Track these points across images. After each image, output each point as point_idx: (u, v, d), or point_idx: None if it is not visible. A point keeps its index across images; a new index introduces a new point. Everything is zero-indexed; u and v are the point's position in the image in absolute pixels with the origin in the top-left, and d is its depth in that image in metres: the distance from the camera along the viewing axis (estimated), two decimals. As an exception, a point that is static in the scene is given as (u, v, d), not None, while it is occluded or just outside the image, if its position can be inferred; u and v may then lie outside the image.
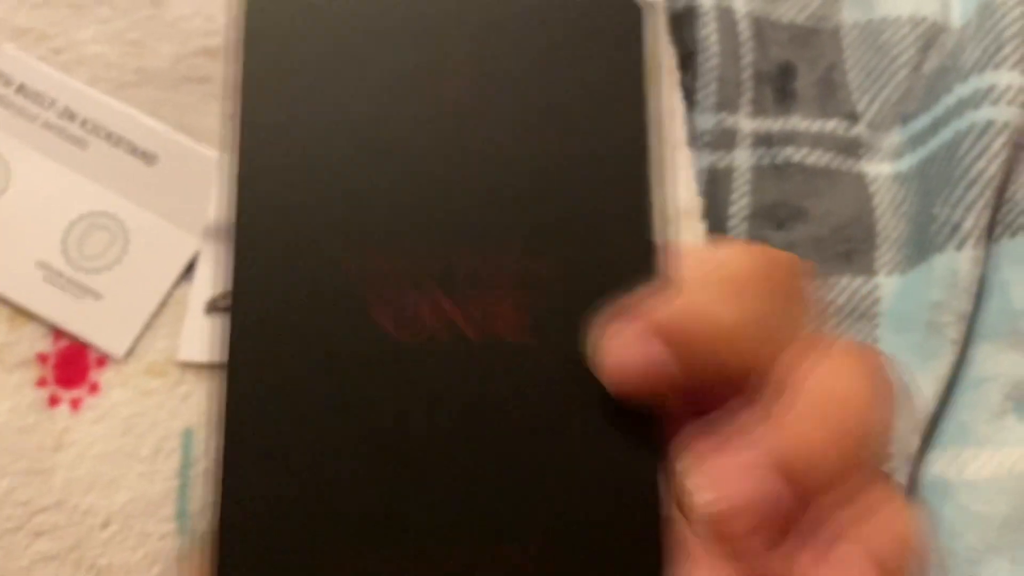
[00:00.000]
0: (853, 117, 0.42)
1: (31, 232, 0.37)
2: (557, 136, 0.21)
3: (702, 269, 0.20)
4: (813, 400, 0.19)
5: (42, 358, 0.36)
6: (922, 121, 0.41)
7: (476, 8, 0.22)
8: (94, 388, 0.36)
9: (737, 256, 0.20)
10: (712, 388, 0.19)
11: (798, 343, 0.19)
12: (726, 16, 0.43)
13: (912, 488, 0.37)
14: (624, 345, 0.19)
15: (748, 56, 0.42)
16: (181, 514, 0.36)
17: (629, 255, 0.20)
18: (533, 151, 0.21)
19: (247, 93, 0.21)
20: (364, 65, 0.21)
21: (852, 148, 0.42)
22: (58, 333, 0.37)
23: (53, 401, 0.36)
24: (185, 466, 0.36)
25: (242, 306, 0.20)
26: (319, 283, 0.20)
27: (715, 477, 0.18)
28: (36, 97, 0.39)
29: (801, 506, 0.18)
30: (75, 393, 0.36)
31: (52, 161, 0.38)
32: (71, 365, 0.37)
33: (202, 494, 0.36)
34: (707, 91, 0.41)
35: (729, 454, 0.19)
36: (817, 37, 0.44)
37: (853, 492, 0.19)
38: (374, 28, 0.21)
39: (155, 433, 0.36)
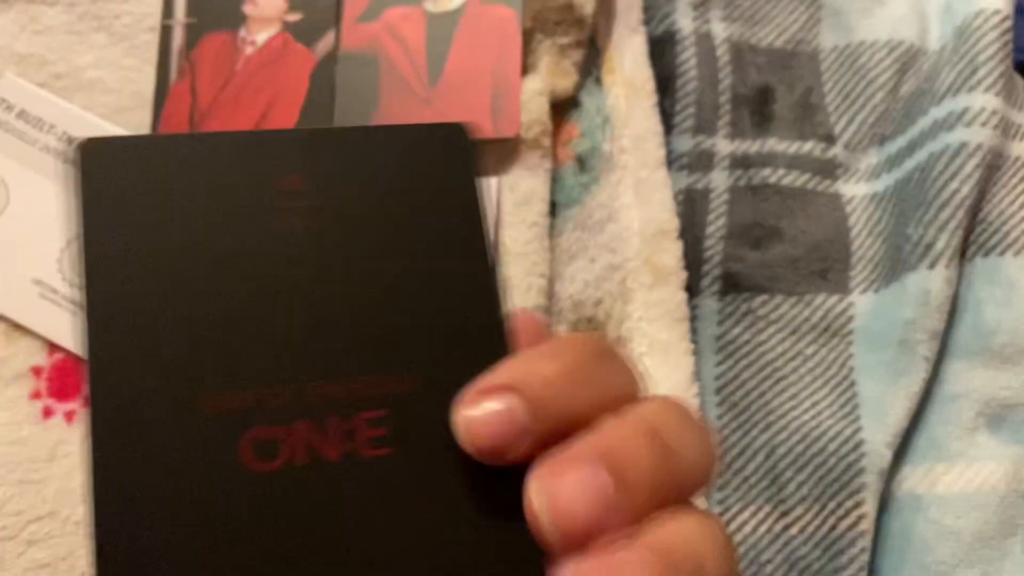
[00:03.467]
0: (830, 139, 0.43)
1: (28, 251, 0.39)
2: (395, 256, 0.23)
3: (539, 341, 0.23)
4: (632, 420, 0.22)
5: (36, 371, 0.38)
6: (898, 143, 0.42)
7: (308, 150, 0.23)
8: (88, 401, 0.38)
9: (567, 335, 0.22)
10: (557, 431, 0.21)
11: (620, 393, 0.22)
12: (705, 41, 0.44)
13: (885, 503, 0.38)
14: (479, 409, 0.21)
15: (726, 80, 0.43)
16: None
17: (479, 350, 0.22)
18: (373, 273, 0.22)
19: (90, 252, 0.21)
20: (202, 209, 0.22)
21: (828, 169, 0.43)
22: (53, 347, 0.38)
23: (47, 413, 0.37)
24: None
25: (100, 451, 0.20)
26: (175, 425, 0.20)
27: (545, 478, 0.21)
28: (36, 122, 0.40)
29: (626, 497, 0.21)
30: (69, 406, 0.38)
31: (50, 183, 0.39)
32: (65, 378, 0.38)
33: None
34: (685, 114, 0.42)
35: (556, 459, 0.21)
36: (795, 60, 0.45)
37: (661, 513, 0.21)
38: (208, 176, 0.22)
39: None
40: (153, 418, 0.20)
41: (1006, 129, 0.40)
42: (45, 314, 0.38)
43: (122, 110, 0.41)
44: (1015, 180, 0.40)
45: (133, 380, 0.20)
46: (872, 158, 0.43)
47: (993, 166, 0.39)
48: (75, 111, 0.40)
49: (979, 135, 0.39)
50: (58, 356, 0.38)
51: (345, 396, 0.21)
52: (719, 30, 0.44)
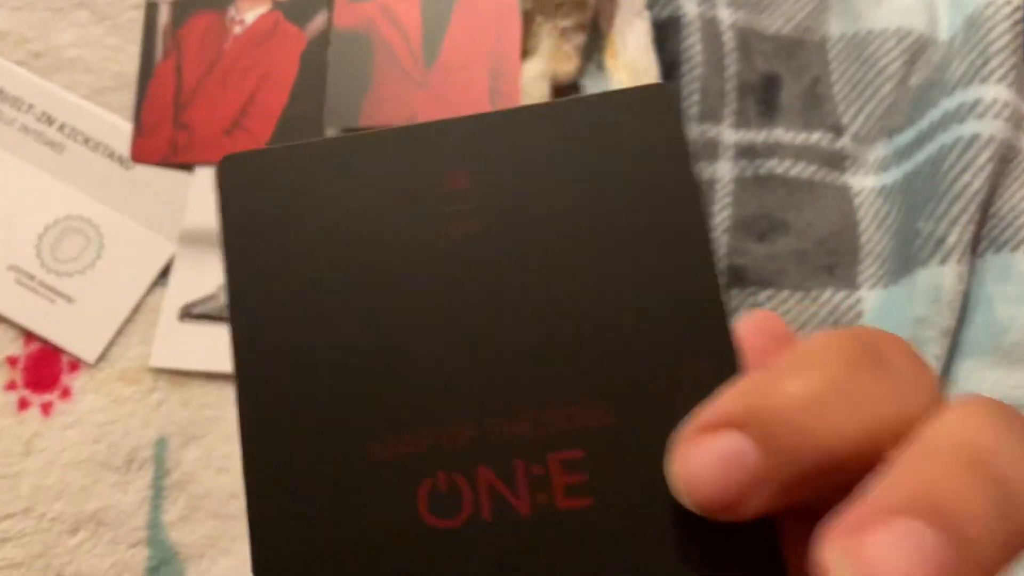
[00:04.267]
0: (838, 130, 0.42)
1: (5, 235, 0.37)
2: (589, 258, 0.18)
3: (769, 357, 0.17)
4: (944, 447, 0.16)
5: (12, 361, 0.36)
6: (908, 135, 0.41)
7: (472, 141, 0.19)
8: (66, 393, 0.36)
9: (817, 336, 0.17)
10: (811, 476, 0.16)
11: (906, 412, 0.16)
12: (711, 27, 0.42)
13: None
14: (697, 451, 0.16)
15: (732, 67, 0.42)
16: (153, 524, 0.36)
17: (700, 370, 0.18)
18: (562, 281, 0.18)
19: (235, 280, 0.19)
20: (356, 224, 0.19)
21: (836, 161, 0.42)
22: (29, 336, 0.36)
23: (23, 405, 0.36)
24: (158, 476, 0.36)
25: (259, 510, 0.17)
26: (342, 479, 0.17)
27: (849, 542, 0.15)
28: (14, 101, 0.38)
29: (967, 562, 0.15)
30: (46, 397, 0.36)
31: (28, 164, 0.38)
32: (42, 369, 0.36)
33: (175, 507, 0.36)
34: (690, 101, 0.41)
35: (856, 514, 0.15)
36: (803, 49, 0.43)
37: None
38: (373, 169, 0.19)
39: (128, 442, 0.36)
40: (316, 472, 0.17)
41: (1018, 121, 0.39)
42: (21, 301, 0.36)
43: (104, 90, 0.39)
44: (1027, 174, 0.39)
45: (289, 429, 0.18)
46: (881, 150, 0.42)
47: (1005, 159, 0.38)
48: (55, 91, 0.39)
49: (991, 127, 0.38)
50: (34, 345, 0.36)
51: (533, 434, 0.18)
52: (725, 15, 0.43)
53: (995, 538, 0.15)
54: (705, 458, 0.16)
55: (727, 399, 0.16)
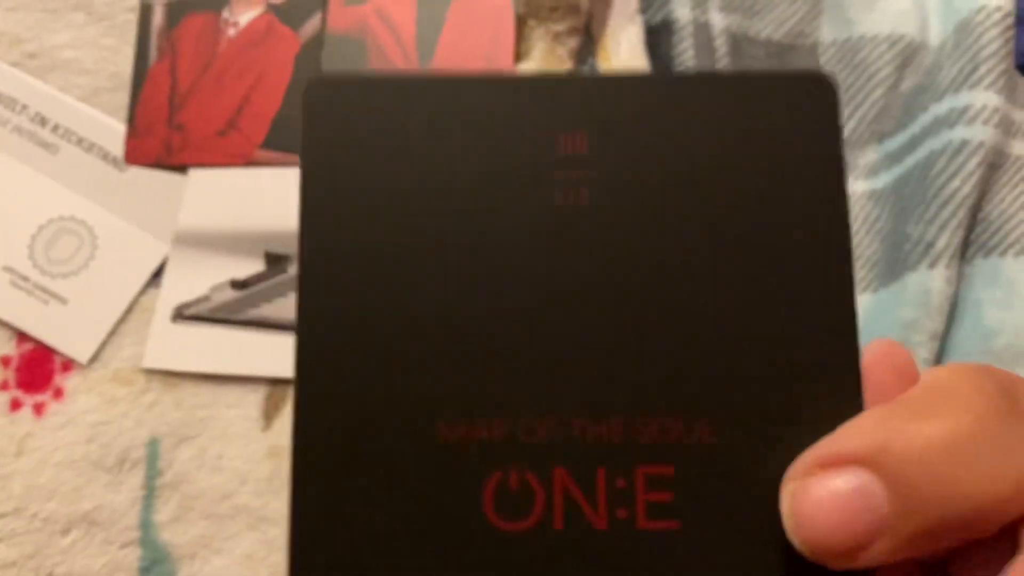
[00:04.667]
0: (829, 134, 0.42)
1: (-3, 235, 0.37)
2: (714, 251, 0.16)
3: (903, 388, 0.16)
4: None
5: (5, 361, 0.36)
6: (898, 140, 0.41)
7: (598, 102, 0.17)
8: (59, 394, 0.36)
9: (949, 370, 0.16)
10: (945, 530, 0.14)
11: None
12: (703, 31, 0.42)
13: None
14: (817, 487, 0.14)
15: (724, 70, 0.42)
16: (145, 524, 0.36)
17: (822, 396, 0.16)
18: (681, 273, 0.16)
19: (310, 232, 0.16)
20: (453, 176, 0.17)
21: (827, 165, 0.42)
22: (22, 336, 0.36)
23: (15, 405, 0.36)
24: (151, 476, 0.36)
25: (307, 482, 0.16)
26: (402, 459, 0.16)
27: None
28: (8, 102, 0.38)
29: None
30: (38, 398, 0.36)
31: (22, 165, 0.38)
32: (35, 369, 0.36)
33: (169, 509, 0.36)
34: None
35: None
36: (794, 54, 0.44)
37: None
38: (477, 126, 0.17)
39: (120, 442, 0.36)
40: (374, 447, 0.16)
41: (1008, 127, 0.39)
42: (15, 302, 0.36)
43: (99, 91, 0.39)
44: (1016, 179, 0.39)
45: (351, 392, 0.16)
46: (871, 155, 0.42)
47: (994, 165, 0.39)
48: (49, 92, 0.39)
49: (980, 133, 0.38)
50: (27, 346, 0.36)
51: (621, 441, 0.16)
52: (717, 20, 0.43)
53: None
54: (827, 497, 0.14)
55: (854, 432, 0.15)
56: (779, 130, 0.17)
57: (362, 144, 0.17)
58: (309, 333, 0.16)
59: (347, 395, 0.16)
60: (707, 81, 0.17)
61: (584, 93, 0.17)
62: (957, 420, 0.14)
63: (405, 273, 0.16)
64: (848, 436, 0.15)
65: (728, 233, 0.16)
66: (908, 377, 0.16)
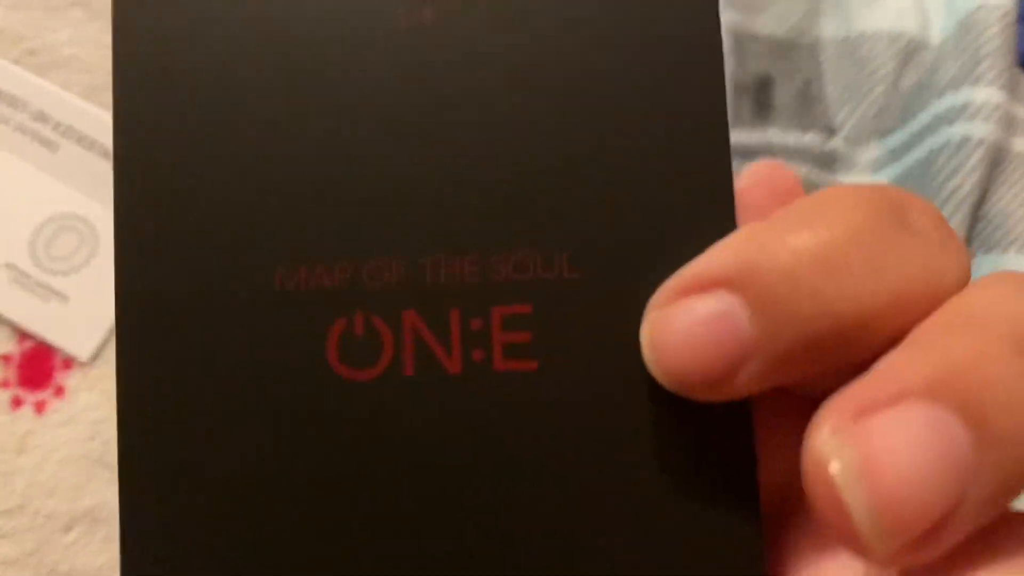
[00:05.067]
0: (830, 131, 0.42)
1: (-2, 233, 0.37)
2: (569, 66, 0.15)
3: (768, 212, 0.14)
4: (979, 323, 0.13)
5: (5, 359, 0.36)
6: (899, 136, 0.41)
7: None
8: (60, 391, 0.36)
9: (835, 187, 0.14)
10: (814, 349, 0.13)
11: (935, 281, 0.14)
12: (704, 28, 0.42)
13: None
14: (677, 314, 0.13)
15: (726, 69, 0.42)
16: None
17: (687, 220, 0.14)
18: (534, 89, 0.15)
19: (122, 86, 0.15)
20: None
21: (828, 162, 0.42)
22: (23, 334, 0.36)
23: (16, 403, 0.36)
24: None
25: (131, 341, 0.14)
26: (236, 310, 0.14)
27: (851, 430, 0.12)
28: (10, 100, 0.38)
29: (994, 464, 0.12)
30: (40, 396, 0.36)
31: (23, 162, 0.38)
32: (36, 367, 0.36)
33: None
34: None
35: (865, 395, 0.12)
36: (796, 51, 0.44)
37: None
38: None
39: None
40: (207, 304, 0.14)
41: (1009, 124, 0.39)
42: (15, 300, 0.36)
43: (99, 88, 0.39)
44: (1017, 176, 0.39)
45: (177, 251, 0.14)
46: (873, 152, 0.42)
47: (996, 161, 0.39)
48: (50, 89, 0.39)
49: (981, 129, 0.38)
50: (28, 344, 0.36)
51: (476, 280, 0.14)
52: (718, 17, 0.43)
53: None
54: (686, 323, 0.13)
55: (716, 253, 0.13)
56: None
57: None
58: (129, 193, 0.14)
59: (174, 252, 0.14)
60: None
61: None
62: (830, 231, 0.13)
63: (231, 117, 0.15)
64: (712, 258, 0.13)
65: (588, 56, 0.15)
66: (792, 198, 0.15)
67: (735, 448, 0.14)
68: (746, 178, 0.15)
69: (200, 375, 0.14)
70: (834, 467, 0.12)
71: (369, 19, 0.15)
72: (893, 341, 0.13)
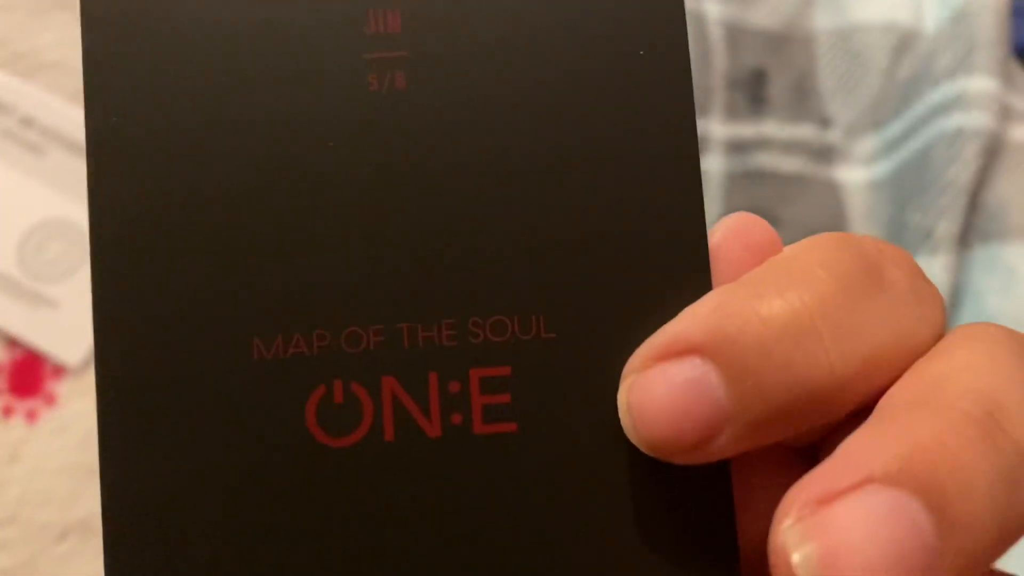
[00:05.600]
0: (826, 123, 0.42)
1: (-14, 240, 0.36)
2: (542, 131, 0.15)
3: (742, 269, 0.14)
4: (947, 397, 0.13)
5: (-5, 368, 0.36)
6: (895, 127, 0.41)
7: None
8: (51, 399, 0.36)
9: (804, 243, 0.15)
10: (786, 416, 0.13)
11: (907, 343, 0.14)
12: (698, 21, 0.42)
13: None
14: (653, 380, 0.14)
15: (720, 62, 0.42)
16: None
17: (662, 282, 0.14)
18: (505, 156, 0.15)
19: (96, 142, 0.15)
20: (251, 62, 0.15)
21: (825, 154, 0.42)
22: (12, 342, 0.36)
23: (7, 412, 0.35)
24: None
25: (110, 410, 0.14)
26: (216, 381, 0.14)
27: (813, 514, 0.12)
28: (-5, 103, 0.38)
29: (953, 550, 0.12)
30: (30, 404, 0.35)
31: (10, 168, 0.37)
32: (26, 375, 0.36)
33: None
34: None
35: (826, 477, 0.12)
36: (790, 43, 0.43)
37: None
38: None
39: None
40: (183, 374, 0.14)
41: (1006, 114, 0.39)
42: (4, 307, 0.36)
43: (86, 92, 0.38)
44: (1014, 165, 0.39)
45: (158, 314, 0.14)
46: (869, 143, 0.42)
47: (992, 151, 0.38)
48: (36, 93, 0.38)
49: (977, 119, 0.38)
50: (19, 352, 0.36)
51: (454, 344, 0.14)
52: (712, 10, 0.43)
53: (993, 524, 0.12)
54: (662, 389, 0.13)
55: (690, 319, 0.14)
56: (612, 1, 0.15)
57: (149, 35, 0.15)
58: (104, 270, 0.14)
59: (150, 326, 0.14)
60: None
61: None
62: (800, 298, 0.13)
63: (206, 178, 0.14)
64: (684, 322, 0.14)
65: (557, 116, 0.15)
66: (767, 254, 0.15)
67: (714, 508, 0.14)
68: (720, 231, 0.15)
69: (180, 446, 0.14)
70: (795, 559, 0.12)
71: (343, 80, 0.15)
72: (868, 401, 0.13)
